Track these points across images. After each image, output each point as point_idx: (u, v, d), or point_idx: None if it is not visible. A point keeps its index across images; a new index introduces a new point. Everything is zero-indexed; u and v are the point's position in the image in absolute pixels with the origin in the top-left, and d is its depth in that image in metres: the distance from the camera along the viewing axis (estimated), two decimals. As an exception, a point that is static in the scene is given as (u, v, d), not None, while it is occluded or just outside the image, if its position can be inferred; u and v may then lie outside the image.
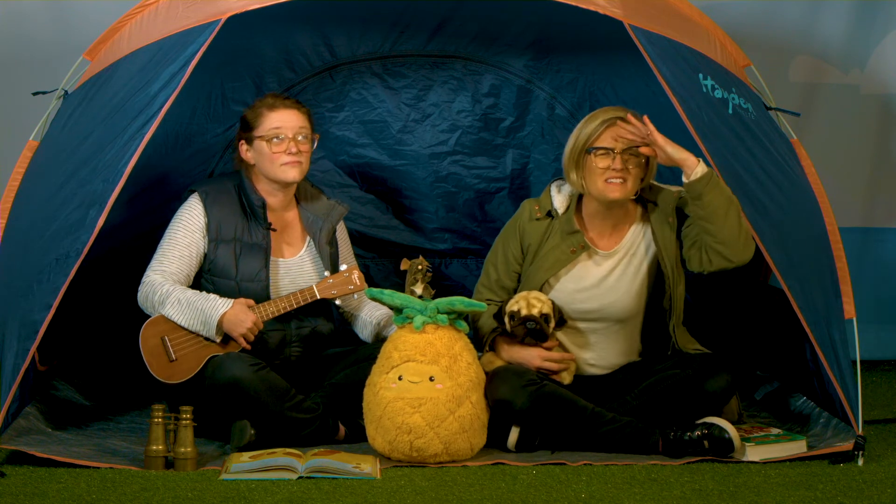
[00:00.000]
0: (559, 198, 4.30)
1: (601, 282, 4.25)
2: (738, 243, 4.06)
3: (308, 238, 4.42)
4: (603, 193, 4.18)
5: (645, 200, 4.28)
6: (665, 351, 4.25)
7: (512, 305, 4.20)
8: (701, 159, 4.05)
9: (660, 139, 4.08)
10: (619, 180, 4.15)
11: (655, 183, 4.28)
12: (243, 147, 4.37)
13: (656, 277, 4.26)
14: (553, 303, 4.20)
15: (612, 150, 4.14)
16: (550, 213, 4.29)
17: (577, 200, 4.30)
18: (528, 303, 4.17)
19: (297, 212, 4.45)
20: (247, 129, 4.35)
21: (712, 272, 4.14)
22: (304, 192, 4.46)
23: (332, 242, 4.46)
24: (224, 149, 4.95)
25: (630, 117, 4.12)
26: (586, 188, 4.21)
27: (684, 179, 4.07)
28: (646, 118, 4.10)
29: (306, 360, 4.37)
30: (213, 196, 4.33)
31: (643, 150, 4.12)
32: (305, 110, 4.38)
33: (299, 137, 4.31)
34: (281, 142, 4.30)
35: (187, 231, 4.30)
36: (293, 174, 4.32)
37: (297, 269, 4.39)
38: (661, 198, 4.26)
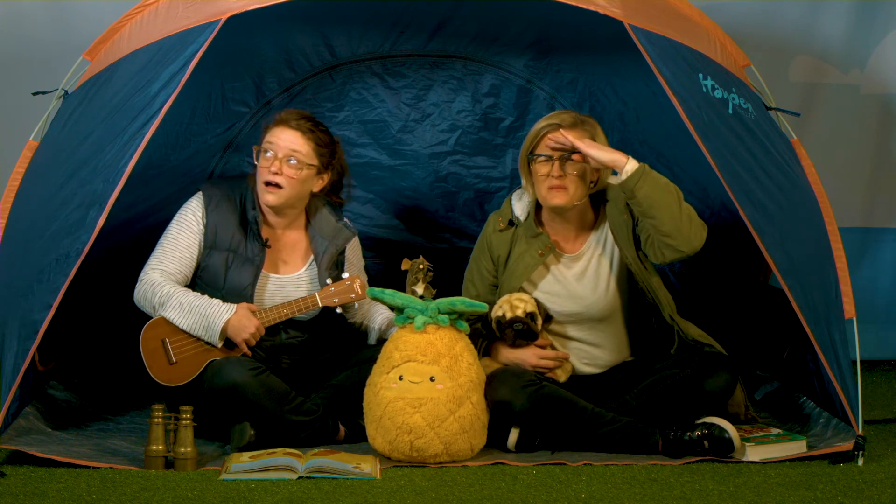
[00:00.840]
0: (519, 206, 4.33)
1: (576, 285, 4.26)
2: (683, 233, 4.08)
3: (311, 259, 4.39)
4: (546, 200, 4.21)
5: (605, 200, 4.29)
6: (665, 344, 4.25)
7: (496, 311, 4.21)
8: (631, 157, 4.08)
9: (583, 146, 4.12)
10: (559, 187, 4.17)
11: (611, 181, 4.30)
12: (255, 153, 4.34)
13: (630, 273, 4.27)
14: (536, 300, 4.21)
15: (550, 157, 4.17)
16: (513, 222, 4.31)
17: (537, 207, 4.31)
18: (511, 305, 4.18)
19: (305, 232, 4.41)
20: (261, 137, 4.33)
21: (669, 263, 4.20)
22: (314, 211, 4.42)
23: (337, 266, 4.41)
24: (224, 149, 4.95)
25: (561, 131, 4.12)
26: (534, 193, 4.23)
27: (618, 180, 4.10)
28: (561, 132, 4.13)
29: (304, 363, 4.36)
30: (217, 201, 4.31)
31: (575, 156, 4.14)
32: (314, 137, 4.29)
33: (289, 160, 4.26)
34: (267, 158, 4.26)
35: (189, 232, 4.29)
36: (269, 198, 4.26)
37: (291, 288, 4.35)
38: (613, 195, 4.28)
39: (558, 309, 4.26)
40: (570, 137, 4.12)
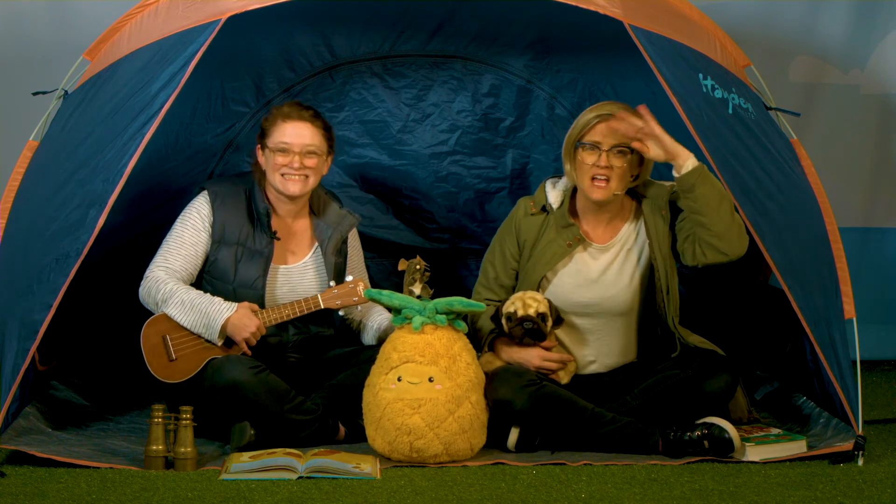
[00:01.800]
0: (553, 193, 4.32)
1: (599, 276, 4.26)
2: (732, 236, 4.09)
3: (315, 245, 4.42)
4: (587, 191, 4.22)
5: (639, 196, 4.30)
6: (667, 350, 4.25)
7: (508, 307, 4.20)
8: (693, 154, 4.08)
9: (657, 129, 4.10)
10: (603, 179, 4.18)
11: (649, 179, 4.30)
12: (259, 152, 4.37)
13: (651, 273, 4.27)
14: (549, 302, 4.20)
15: (600, 146, 4.17)
16: (545, 209, 4.31)
17: (571, 196, 4.31)
18: (523, 303, 4.17)
19: (309, 220, 4.43)
20: (263, 136, 4.35)
21: (707, 265, 4.16)
22: (317, 200, 4.45)
23: (341, 253, 4.44)
24: (224, 149, 4.95)
25: (623, 114, 4.12)
26: (576, 181, 4.24)
27: (675, 173, 4.10)
28: (643, 107, 4.11)
29: (306, 362, 4.36)
30: (222, 198, 4.33)
31: (634, 143, 4.13)
32: (320, 124, 4.35)
33: (308, 154, 4.30)
34: (286, 155, 4.29)
35: (195, 230, 4.30)
36: (293, 188, 4.30)
37: (297, 277, 4.38)
38: (653, 192, 4.28)
39: (577, 299, 4.25)
40: (647, 116, 4.09)
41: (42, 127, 4.37)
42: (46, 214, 4.03)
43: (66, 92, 4.41)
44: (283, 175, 4.29)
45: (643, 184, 4.29)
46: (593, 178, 4.18)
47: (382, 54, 4.97)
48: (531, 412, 4.05)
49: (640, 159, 4.21)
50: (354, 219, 4.47)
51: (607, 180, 4.18)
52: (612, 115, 4.16)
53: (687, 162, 4.07)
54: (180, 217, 4.34)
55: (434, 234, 5.23)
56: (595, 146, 4.18)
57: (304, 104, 4.41)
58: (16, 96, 5.05)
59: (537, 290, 4.25)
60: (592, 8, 4.02)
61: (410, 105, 5.06)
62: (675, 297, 4.27)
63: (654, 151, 4.12)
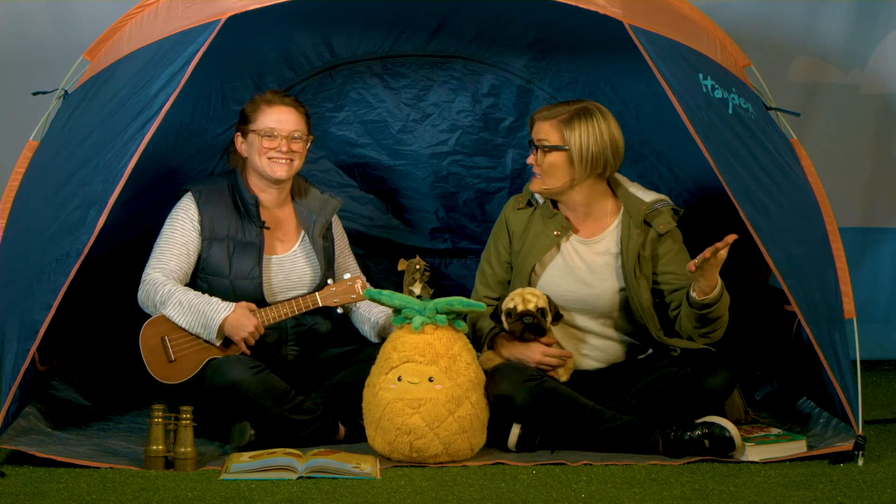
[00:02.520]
0: None
1: (585, 270, 4.27)
2: (714, 338, 4.21)
3: (302, 232, 4.43)
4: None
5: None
6: (658, 353, 4.27)
7: (507, 303, 4.21)
8: (720, 284, 4.09)
9: (715, 263, 4.03)
10: (536, 174, 4.28)
11: (632, 188, 4.31)
12: (238, 139, 4.40)
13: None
14: (548, 297, 4.21)
15: (530, 143, 4.30)
16: (531, 203, 4.36)
17: None
18: (523, 298, 4.18)
19: (293, 208, 4.46)
20: (244, 122, 4.39)
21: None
22: (298, 188, 4.49)
23: (328, 237, 4.48)
24: (224, 149, 4.95)
25: (718, 251, 4.02)
26: None
27: (693, 294, 4.11)
28: (716, 251, 4.01)
29: (305, 359, 4.37)
30: (207, 195, 4.35)
31: (691, 263, 4.05)
32: (303, 110, 4.41)
33: (294, 137, 4.34)
34: (273, 139, 4.32)
35: (184, 230, 4.31)
36: (279, 171, 4.33)
37: (289, 265, 4.40)
38: (631, 206, 4.29)
39: (564, 293, 4.26)
40: (723, 252, 4.02)
41: (42, 127, 4.37)
42: (46, 214, 4.03)
43: (66, 92, 4.42)
44: (269, 158, 4.33)
45: (620, 191, 4.30)
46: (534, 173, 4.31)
47: (382, 54, 4.97)
48: (531, 407, 4.05)
49: (570, 160, 4.22)
50: (337, 201, 4.51)
51: (539, 175, 4.27)
52: (543, 114, 4.25)
53: (712, 294, 4.09)
54: (168, 219, 4.35)
55: (434, 234, 5.23)
56: (530, 144, 4.31)
57: (282, 92, 4.50)
58: (16, 96, 5.05)
59: (528, 285, 4.27)
60: (592, 8, 4.02)
61: (410, 105, 5.06)
62: (650, 314, 4.26)
63: (696, 273, 4.05)
